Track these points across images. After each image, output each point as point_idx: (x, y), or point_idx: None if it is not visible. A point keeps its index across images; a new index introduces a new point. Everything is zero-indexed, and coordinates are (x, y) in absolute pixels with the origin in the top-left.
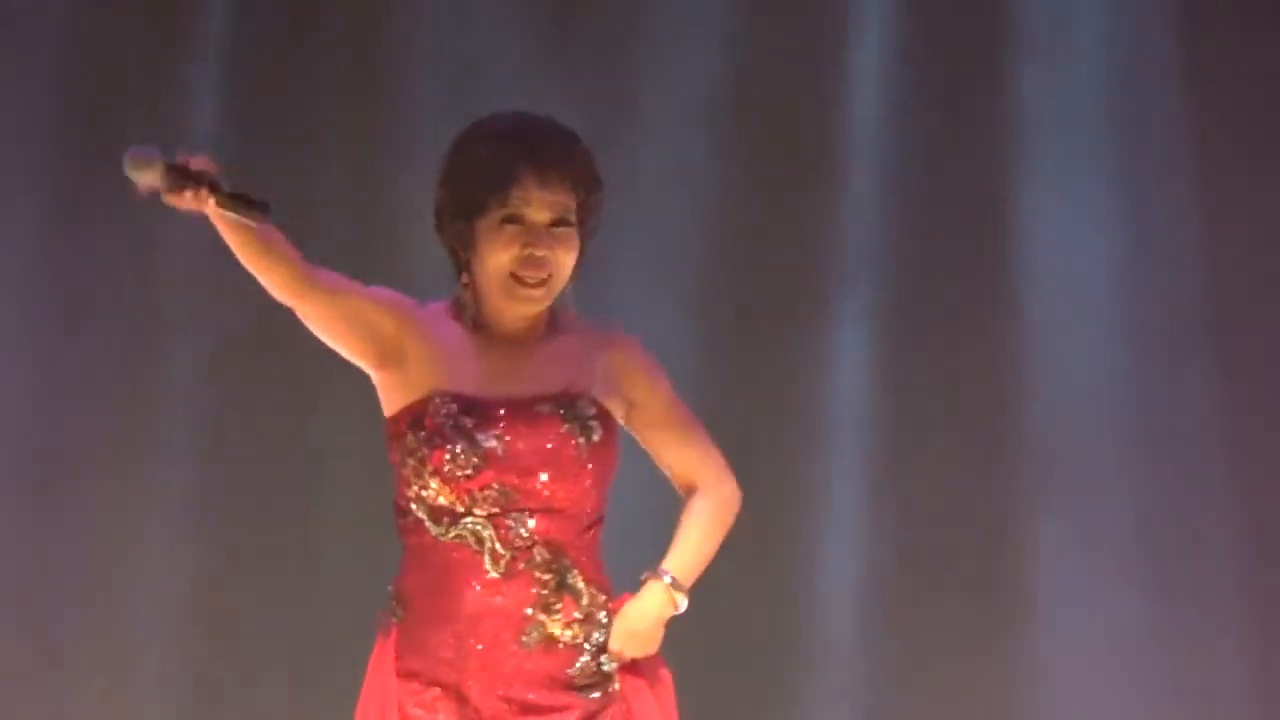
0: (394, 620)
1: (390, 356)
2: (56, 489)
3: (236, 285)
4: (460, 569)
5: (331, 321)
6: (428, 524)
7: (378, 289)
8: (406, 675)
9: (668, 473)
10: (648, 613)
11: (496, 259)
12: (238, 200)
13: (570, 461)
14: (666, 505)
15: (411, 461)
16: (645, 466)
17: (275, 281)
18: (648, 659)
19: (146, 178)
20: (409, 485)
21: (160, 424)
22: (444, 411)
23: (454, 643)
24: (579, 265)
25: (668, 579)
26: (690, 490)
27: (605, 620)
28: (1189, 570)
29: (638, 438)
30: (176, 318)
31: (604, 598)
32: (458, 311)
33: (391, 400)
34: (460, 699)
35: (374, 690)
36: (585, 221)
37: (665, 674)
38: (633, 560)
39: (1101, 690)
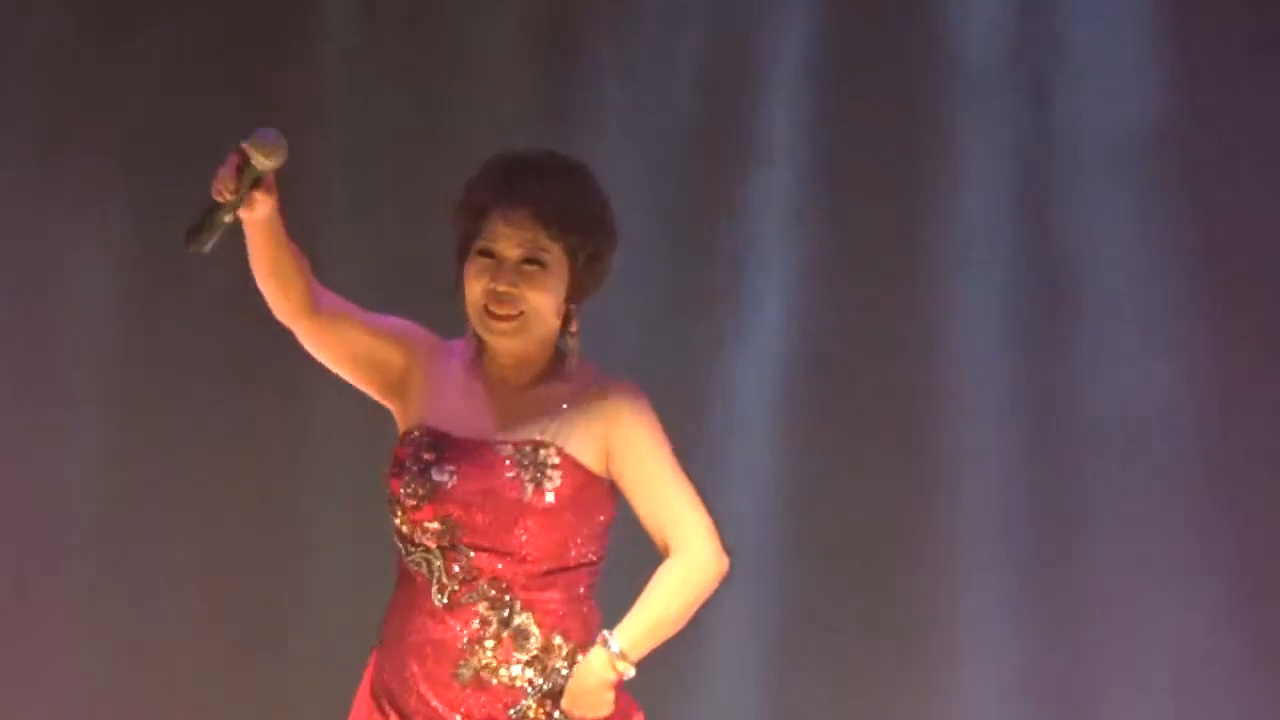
0: (376, 642)
1: (394, 389)
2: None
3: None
4: (416, 595)
5: (333, 349)
6: (401, 548)
7: (390, 319)
8: (375, 698)
9: (644, 527)
10: (592, 675)
11: (470, 290)
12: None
13: (513, 506)
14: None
15: (387, 490)
16: None
17: (279, 299)
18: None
19: (264, 161)
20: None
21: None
22: (414, 444)
23: (400, 668)
24: (572, 305)
25: (615, 647)
26: (666, 550)
27: (565, 670)
28: (1117, 569)
29: (619, 487)
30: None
31: (570, 646)
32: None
33: (399, 429)
34: None
35: (355, 711)
36: (573, 262)
37: None
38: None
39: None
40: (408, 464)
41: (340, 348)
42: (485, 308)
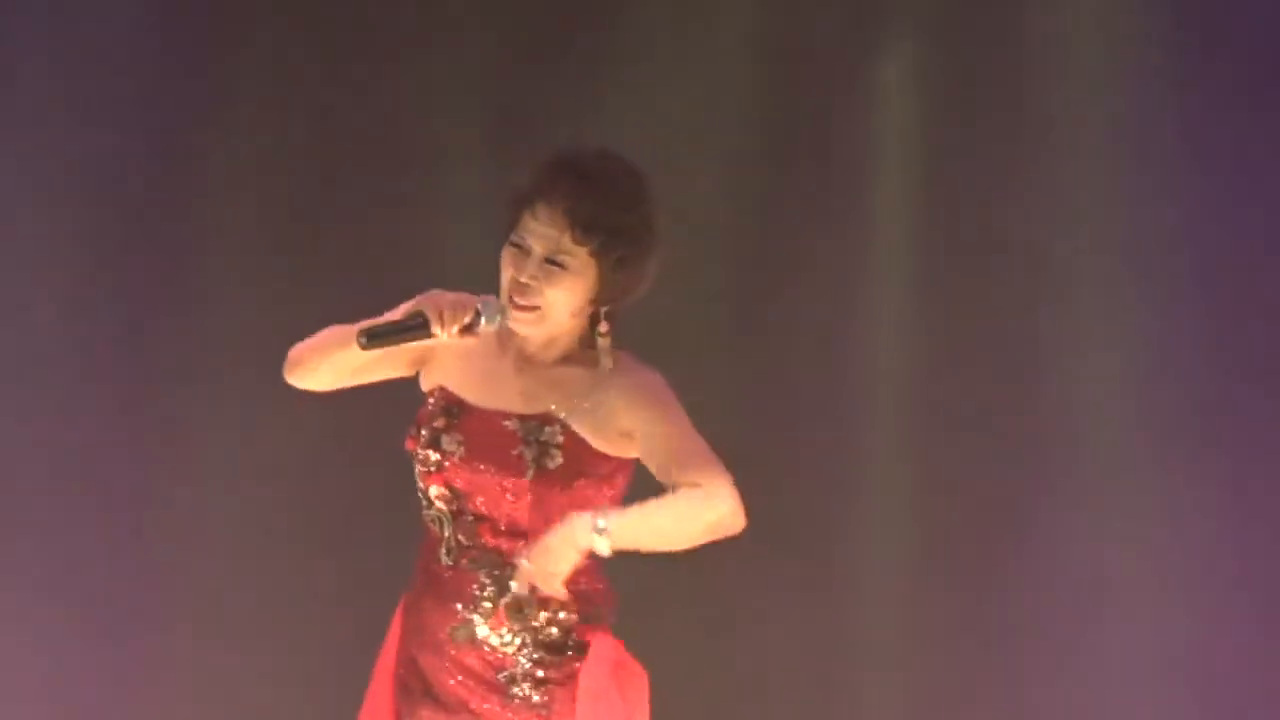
0: (407, 587)
1: (425, 361)
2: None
3: None
4: (432, 550)
5: (372, 377)
6: (422, 501)
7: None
8: (402, 642)
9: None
10: (564, 536)
11: (502, 276)
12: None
13: (514, 480)
14: None
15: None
16: None
17: (332, 383)
18: (602, 685)
19: (488, 326)
20: None
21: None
22: (431, 407)
23: (412, 620)
24: (600, 306)
25: (600, 521)
26: None
27: (560, 639)
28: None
29: (647, 465)
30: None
31: (566, 615)
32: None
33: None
34: (421, 675)
35: (385, 650)
36: (600, 265)
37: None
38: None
39: None
40: (423, 428)
41: (364, 378)
42: (510, 296)
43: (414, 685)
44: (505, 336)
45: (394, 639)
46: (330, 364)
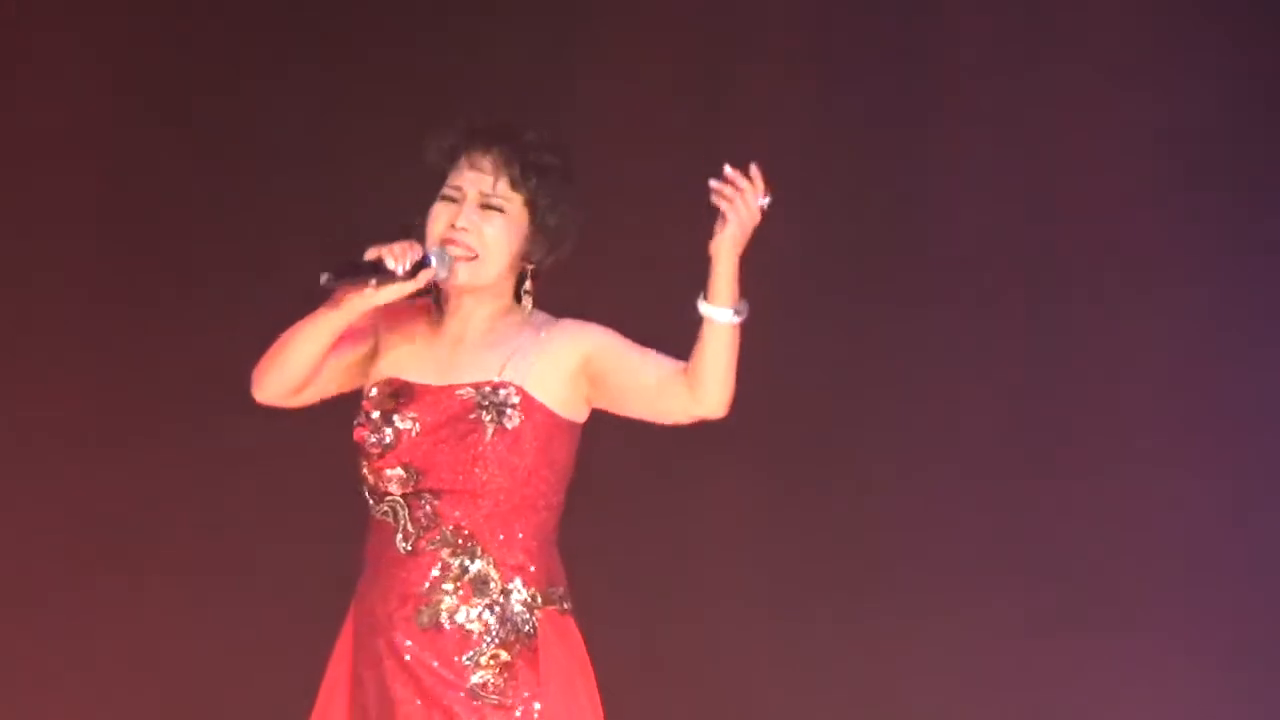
0: (352, 597)
1: (371, 366)
2: None
3: None
4: (383, 543)
5: (326, 392)
6: (368, 499)
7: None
8: (355, 640)
9: (655, 389)
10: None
11: (431, 232)
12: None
13: (474, 445)
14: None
15: (354, 441)
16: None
17: (294, 379)
18: (562, 665)
19: (441, 273)
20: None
21: None
22: (376, 394)
23: (370, 613)
24: (528, 264)
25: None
26: (684, 371)
27: (525, 615)
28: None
29: (612, 385)
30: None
31: (530, 591)
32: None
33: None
34: (379, 671)
35: (338, 651)
36: (532, 215)
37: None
38: None
39: None
40: (371, 414)
41: (331, 388)
42: (443, 246)
43: (368, 699)
44: (437, 318)
45: (343, 654)
46: (298, 351)
